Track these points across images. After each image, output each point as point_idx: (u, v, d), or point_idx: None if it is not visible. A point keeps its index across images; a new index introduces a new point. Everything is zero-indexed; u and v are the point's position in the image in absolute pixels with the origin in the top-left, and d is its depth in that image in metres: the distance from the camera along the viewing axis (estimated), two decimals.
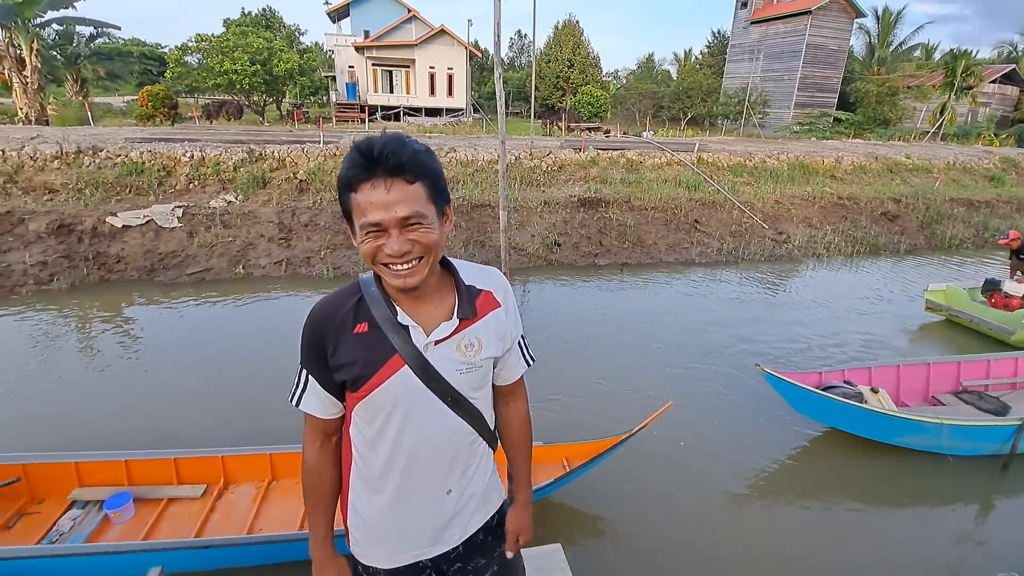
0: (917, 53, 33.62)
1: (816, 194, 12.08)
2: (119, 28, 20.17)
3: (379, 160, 0.97)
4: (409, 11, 25.47)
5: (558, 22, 36.27)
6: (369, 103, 24.46)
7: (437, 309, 1.15)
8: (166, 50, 28.06)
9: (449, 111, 26.02)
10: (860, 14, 29.43)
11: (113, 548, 2.61)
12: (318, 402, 1.17)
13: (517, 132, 18.50)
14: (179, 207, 8.33)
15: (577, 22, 32.48)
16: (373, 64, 24.90)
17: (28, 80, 16.30)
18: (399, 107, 24.82)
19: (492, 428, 1.30)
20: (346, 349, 1.11)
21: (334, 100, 25.09)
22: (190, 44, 21.74)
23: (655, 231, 10.02)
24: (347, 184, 1.01)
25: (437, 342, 1.13)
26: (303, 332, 1.15)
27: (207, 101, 25.21)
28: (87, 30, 20.30)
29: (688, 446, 4.14)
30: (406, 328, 1.11)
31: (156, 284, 7.43)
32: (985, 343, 6.25)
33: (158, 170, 9.02)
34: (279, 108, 24.22)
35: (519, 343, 1.31)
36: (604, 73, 35.89)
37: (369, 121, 21.92)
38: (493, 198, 9.41)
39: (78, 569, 2.58)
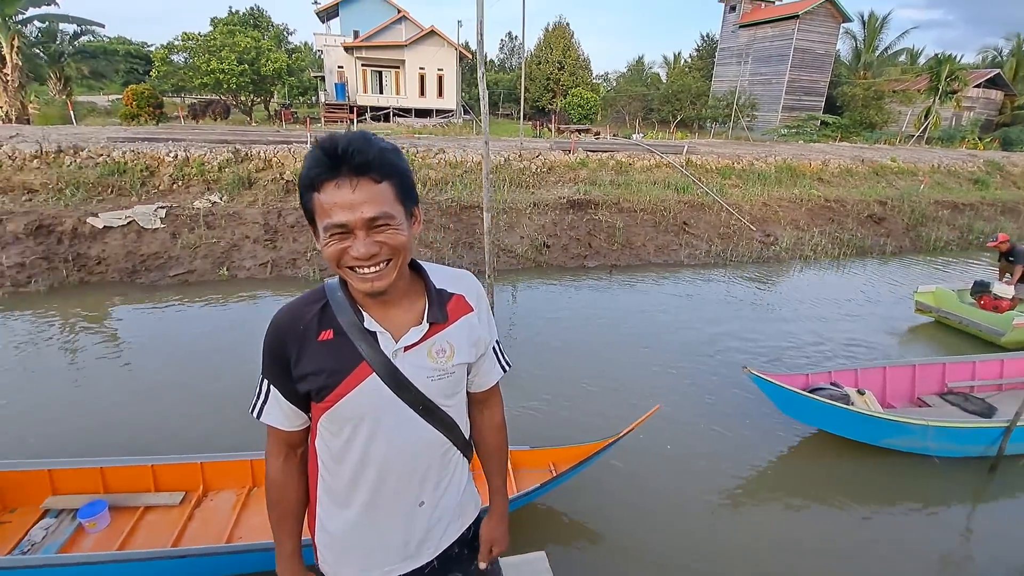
0: (902, 58, 34.14)
1: (803, 197, 12.18)
2: (103, 26, 19.91)
3: (344, 158, 0.92)
4: (399, 12, 25.39)
5: (548, 24, 36.37)
6: (358, 104, 24.34)
7: (406, 314, 1.11)
8: (152, 49, 27.76)
9: (439, 112, 25.96)
10: (847, 19, 29.84)
11: (87, 558, 2.54)
12: (281, 414, 1.12)
13: (507, 134, 18.49)
14: (162, 208, 8.20)
15: (567, 24, 32.60)
16: (363, 64, 24.78)
17: (8, 78, 16.02)
18: (389, 108, 24.71)
19: (467, 437, 1.26)
20: (310, 358, 1.06)
21: (323, 100, 24.94)
22: (176, 43, 21.48)
23: (644, 233, 10.03)
24: (309, 183, 0.96)
25: (407, 348, 1.09)
26: (264, 340, 1.09)
27: (194, 100, 24.94)
28: (71, 27, 20.03)
29: (675, 449, 4.12)
30: (373, 334, 1.07)
31: (138, 286, 7.29)
32: (974, 344, 6.29)
33: (141, 170, 8.87)
34: (267, 108, 24.02)
35: (494, 348, 1.27)
36: (594, 75, 36.05)
37: (358, 121, 21.80)
38: (482, 199, 9.37)
39: None
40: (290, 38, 34.49)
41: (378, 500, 1.13)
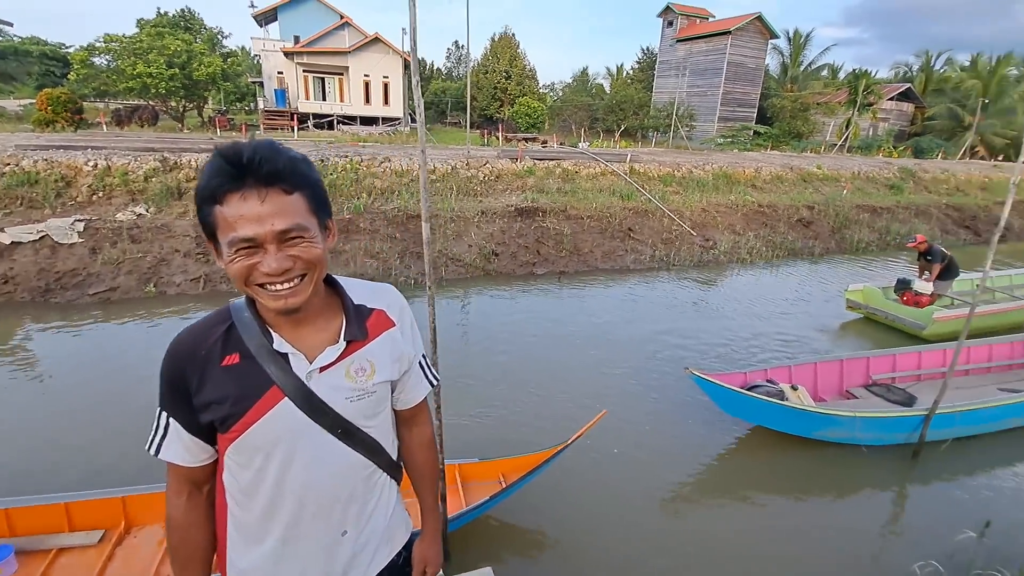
0: (825, 72, 36.57)
1: (739, 202, 12.78)
2: (11, 24, 18.43)
3: (249, 168, 0.86)
4: (342, 17, 24.87)
5: (495, 34, 36.64)
6: (300, 110, 23.60)
7: (321, 333, 1.04)
8: (71, 50, 25.86)
9: (386, 120, 25.54)
10: (774, 35, 31.78)
11: None
12: (182, 448, 1.02)
13: (455, 142, 18.42)
14: (80, 221, 7.60)
15: (513, 35, 32.96)
16: (304, 71, 24.08)
17: None
18: (333, 115, 24.10)
19: (394, 457, 1.20)
20: (213, 385, 0.97)
21: (262, 107, 24.00)
22: (98, 44, 20.10)
23: (591, 239, 10.21)
24: (210, 195, 0.88)
25: (322, 369, 1.02)
26: (161, 368, 1.00)
27: (118, 106, 23.39)
28: None
29: (621, 453, 4.17)
30: (285, 356, 0.99)
31: (52, 306, 6.71)
32: (900, 338, 6.73)
33: (55, 180, 8.19)
34: (200, 114, 22.86)
35: (420, 363, 1.22)
36: (541, 85, 36.56)
37: (300, 129, 21.11)
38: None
39: None
40: (225, 42, 33.06)
41: (295, 533, 1.05)
